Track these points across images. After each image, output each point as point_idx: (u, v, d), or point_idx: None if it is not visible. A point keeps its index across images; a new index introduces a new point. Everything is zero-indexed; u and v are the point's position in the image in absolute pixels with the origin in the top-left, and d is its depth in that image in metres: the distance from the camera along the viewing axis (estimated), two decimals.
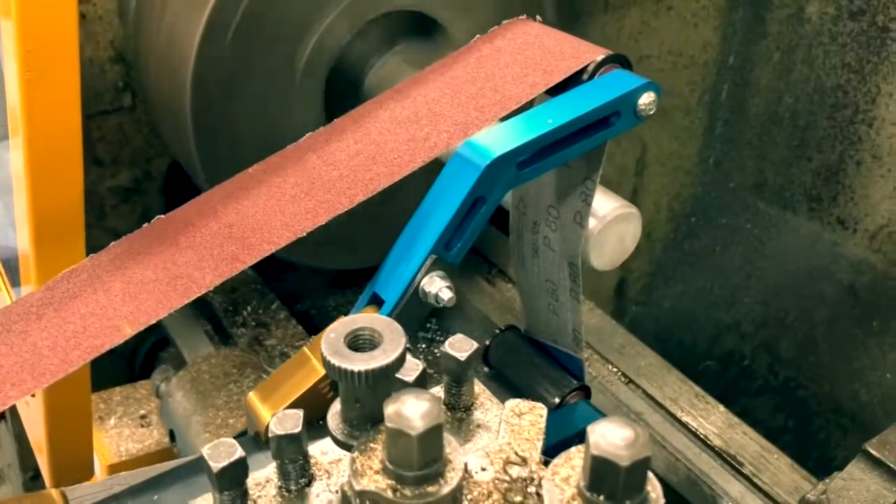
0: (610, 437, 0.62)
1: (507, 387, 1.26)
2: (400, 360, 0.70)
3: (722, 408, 1.47)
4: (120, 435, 1.55)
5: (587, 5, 1.87)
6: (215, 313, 1.63)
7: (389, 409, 0.64)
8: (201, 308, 1.64)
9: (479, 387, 0.80)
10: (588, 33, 1.90)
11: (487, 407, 0.79)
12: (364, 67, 1.50)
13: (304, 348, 1.01)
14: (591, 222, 1.13)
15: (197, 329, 1.60)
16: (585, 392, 1.26)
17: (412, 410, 0.64)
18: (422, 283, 1.00)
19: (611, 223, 1.14)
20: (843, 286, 1.81)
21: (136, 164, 1.78)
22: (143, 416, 1.59)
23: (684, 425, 1.43)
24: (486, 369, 1.32)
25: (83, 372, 1.28)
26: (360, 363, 0.69)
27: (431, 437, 0.64)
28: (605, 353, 1.55)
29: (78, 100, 1.09)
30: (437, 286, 1.00)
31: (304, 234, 0.99)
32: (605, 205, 1.15)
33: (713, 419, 1.44)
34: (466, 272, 1.72)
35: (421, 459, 0.65)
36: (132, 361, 1.82)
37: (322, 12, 1.40)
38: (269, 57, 1.40)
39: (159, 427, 1.56)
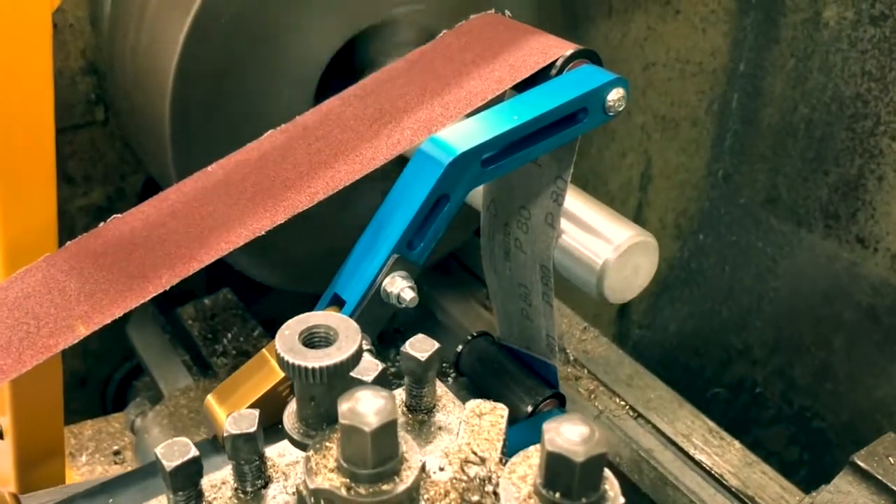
0: (565, 433, 0.65)
1: (478, 395, 1.23)
2: (355, 358, 0.73)
3: (738, 444, 1.44)
4: (92, 473, 1.52)
5: (590, 9, 1.87)
6: (193, 342, 1.61)
7: (343, 406, 0.67)
8: (179, 336, 1.63)
9: (441, 389, 0.83)
10: (591, 39, 1.89)
11: (450, 409, 0.81)
12: (356, 79, 1.48)
13: (264, 350, 1.03)
14: (605, 251, 1.13)
15: (174, 359, 1.58)
16: (559, 400, 1.28)
17: (367, 407, 0.67)
18: (383, 284, 1.03)
19: (626, 253, 1.13)
20: (862, 309, 1.80)
21: (109, 181, 1.76)
22: (116, 453, 1.56)
23: (698, 463, 1.41)
24: (458, 377, 1.34)
25: (56, 411, 1.26)
26: (315, 360, 0.72)
27: (386, 434, 0.67)
28: (611, 385, 1.52)
29: (51, 114, 1.08)
30: (399, 286, 1.02)
31: (263, 232, 1.02)
32: (619, 232, 1.14)
33: (729, 456, 1.41)
34: (461, 294, 1.70)
35: (375, 456, 0.67)
36: (104, 391, 1.80)
37: (312, 23, 1.40)
38: (253, 68, 1.39)
39: (134, 465, 1.52)
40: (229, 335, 1.60)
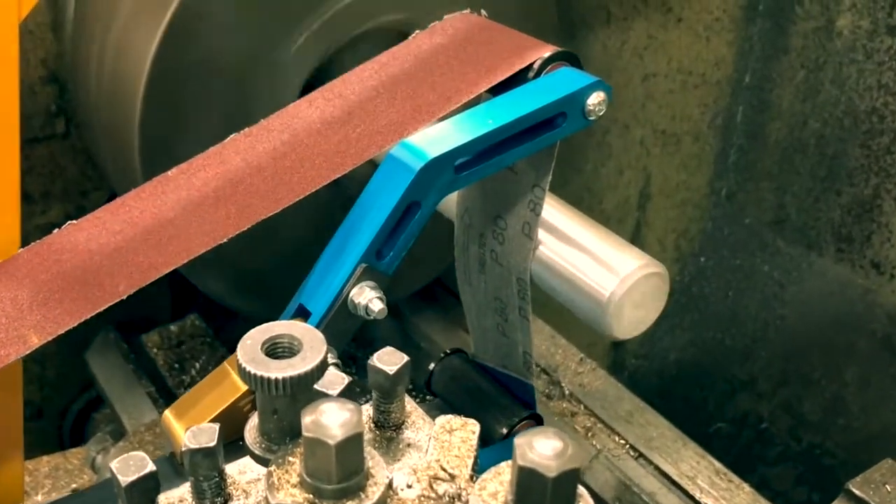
0: (538, 447, 0.66)
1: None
2: (320, 369, 0.75)
3: (747, 487, 1.43)
4: None
5: (587, 17, 1.87)
6: (159, 371, 1.59)
7: (307, 419, 0.68)
8: (143, 365, 1.60)
9: (410, 404, 0.84)
10: (588, 48, 1.89)
11: (419, 426, 0.83)
12: None
13: (225, 363, 1.05)
14: (611, 284, 1.12)
15: (138, 390, 1.55)
16: (536, 421, 1.27)
17: (331, 419, 0.68)
18: (351, 294, 1.04)
19: (635, 285, 1.12)
20: (877, 339, 1.78)
21: (69, 198, 1.73)
22: (75, 492, 1.51)
23: None
24: (430, 397, 1.34)
25: (15, 451, 1.22)
26: (278, 371, 0.73)
27: (351, 448, 0.69)
28: (610, 422, 1.51)
29: (16, 128, 1.10)
30: (367, 297, 1.04)
31: (225, 240, 1.03)
32: (626, 262, 1.13)
33: (738, 500, 1.40)
34: (446, 321, 1.68)
35: (340, 471, 0.69)
36: (61, 424, 1.79)
37: (293, 31, 1.39)
38: (231, 78, 1.38)
39: None
40: (197, 365, 1.59)
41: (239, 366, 0.74)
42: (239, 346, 0.75)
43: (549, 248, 1.17)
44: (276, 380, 0.73)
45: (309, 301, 1.06)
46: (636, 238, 2.07)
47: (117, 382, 1.58)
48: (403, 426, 0.83)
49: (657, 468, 1.44)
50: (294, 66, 1.40)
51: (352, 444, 0.69)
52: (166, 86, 1.35)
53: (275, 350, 0.76)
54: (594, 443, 1.48)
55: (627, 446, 1.48)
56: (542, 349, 1.61)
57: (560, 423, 1.47)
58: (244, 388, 0.99)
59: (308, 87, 1.42)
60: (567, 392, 1.55)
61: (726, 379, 2.04)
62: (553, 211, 1.19)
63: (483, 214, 1.20)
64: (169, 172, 1.10)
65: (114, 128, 1.44)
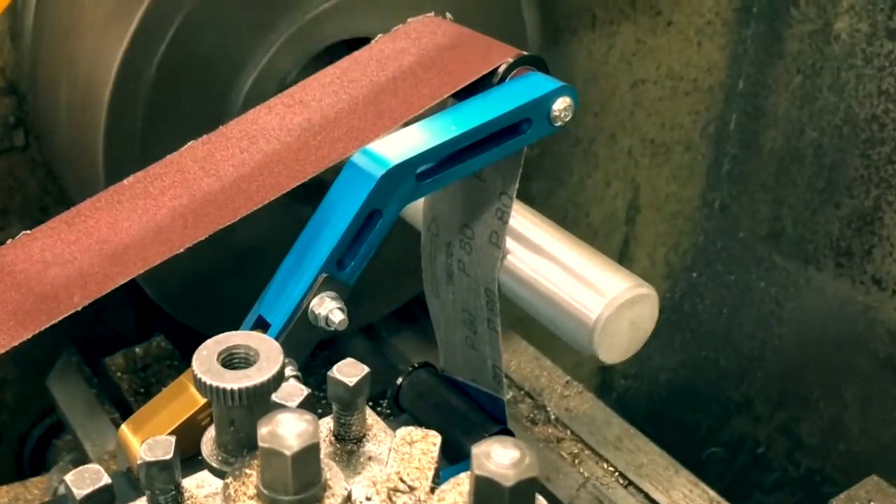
0: (495, 457, 0.68)
1: None
2: (276, 379, 0.76)
3: None
4: None
5: (570, 21, 1.87)
6: (123, 397, 1.56)
7: (263, 429, 0.69)
8: (106, 390, 1.57)
9: (372, 417, 0.86)
10: (572, 53, 1.88)
11: (381, 439, 0.84)
12: None
13: (182, 376, 1.06)
14: (598, 306, 1.11)
15: (101, 417, 1.52)
16: (509, 434, 1.26)
17: (287, 430, 0.69)
18: (311, 305, 1.05)
19: (622, 307, 1.11)
20: (878, 358, 1.79)
21: (28, 213, 1.71)
22: None
23: None
24: (396, 413, 1.35)
25: None
26: (234, 381, 0.74)
27: (307, 458, 0.70)
28: (598, 448, 1.48)
29: None
30: (328, 307, 1.04)
31: (182, 249, 1.03)
32: (614, 284, 1.13)
33: None
34: (426, 343, 1.66)
35: (296, 482, 0.70)
36: (20, 451, 1.76)
37: (261, 46, 1.39)
38: (199, 93, 1.38)
39: None
40: (163, 389, 1.56)
41: (195, 377, 0.75)
42: (195, 356, 0.77)
43: (531, 267, 1.17)
44: (232, 390, 0.74)
45: (268, 312, 1.07)
46: (624, 253, 2.07)
47: (79, 408, 1.55)
48: (364, 439, 0.84)
49: (647, 497, 1.42)
50: (267, 75, 1.40)
51: (308, 454, 0.70)
52: (133, 95, 1.35)
53: (231, 361, 0.77)
54: (581, 470, 1.45)
55: (616, 474, 1.46)
56: (525, 371, 1.59)
57: (545, 450, 1.45)
58: (202, 401, 1.01)
59: None
60: (553, 417, 1.52)
61: (720, 401, 2.05)
62: (535, 228, 1.20)
63: (450, 223, 1.21)
64: (125, 181, 1.11)
65: (78, 140, 1.43)
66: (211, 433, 0.80)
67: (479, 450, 0.68)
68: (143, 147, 1.35)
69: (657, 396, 2.15)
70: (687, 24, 1.88)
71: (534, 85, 1.12)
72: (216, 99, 1.39)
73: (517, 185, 1.13)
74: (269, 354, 0.77)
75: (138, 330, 1.68)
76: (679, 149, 1.98)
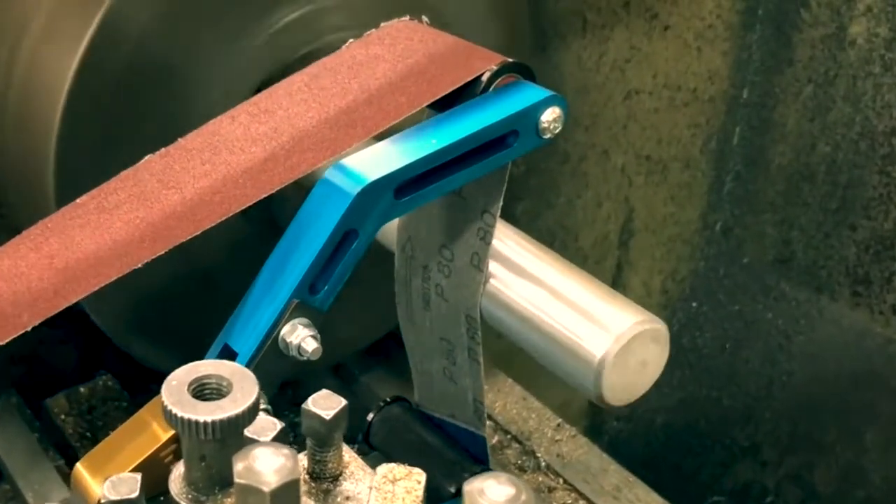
0: (489, 493, 0.71)
1: None
2: (252, 411, 0.78)
3: None
4: None
5: (559, 25, 1.88)
6: (68, 442, 1.56)
7: (239, 465, 0.72)
8: (49, 434, 1.58)
9: (349, 454, 0.88)
10: (561, 61, 1.90)
11: (358, 477, 0.86)
12: None
13: (143, 410, 1.09)
14: (605, 342, 1.10)
15: (44, 464, 1.52)
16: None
17: (265, 465, 0.72)
18: (282, 333, 1.06)
19: (630, 344, 1.11)
20: None
21: None
22: None
23: None
24: (368, 451, 1.35)
25: None
26: (207, 413, 0.76)
27: (286, 495, 0.71)
28: (594, 498, 1.49)
29: None
30: (300, 335, 1.06)
31: (140, 265, 1.05)
32: (620, 319, 1.12)
33: None
34: (402, 382, 1.66)
35: None
36: None
37: (229, 55, 1.41)
38: (161, 106, 1.39)
39: None
40: (111, 432, 1.56)
41: (164, 408, 0.77)
42: (164, 386, 0.78)
43: (524, 296, 1.18)
44: (205, 423, 0.76)
45: (236, 341, 1.08)
46: (617, 280, 2.09)
47: (20, 454, 1.54)
48: (341, 477, 0.86)
49: None
50: (235, 86, 1.41)
51: (288, 491, 0.72)
52: (89, 108, 1.36)
53: (202, 391, 0.79)
54: None
55: None
56: (512, 413, 1.60)
57: (535, 500, 1.46)
58: (165, 437, 1.04)
59: None
60: (543, 463, 1.53)
61: (724, 445, 2.05)
62: (527, 253, 1.20)
63: (427, 244, 1.22)
64: (78, 200, 1.13)
65: (23, 154, 1.44)
66: (179, 470, 0.82)
67: (471, 487, 0.71)
68: (99, 166, 1.36)
69: (653, 440, 2.16)
70: (686, 29, 1.89)
71: (520, 94, 1.13)
72: (180, 112, 1.40)
73: (501, 203, 1.15)
74: (242, 385, 0.79)
75: (81, 368, 1.68)
76: (677, 166, 2.00)
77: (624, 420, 2.18)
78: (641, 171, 2.00)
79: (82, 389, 1.63)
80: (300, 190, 1.15)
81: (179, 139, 1.18)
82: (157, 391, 1.58)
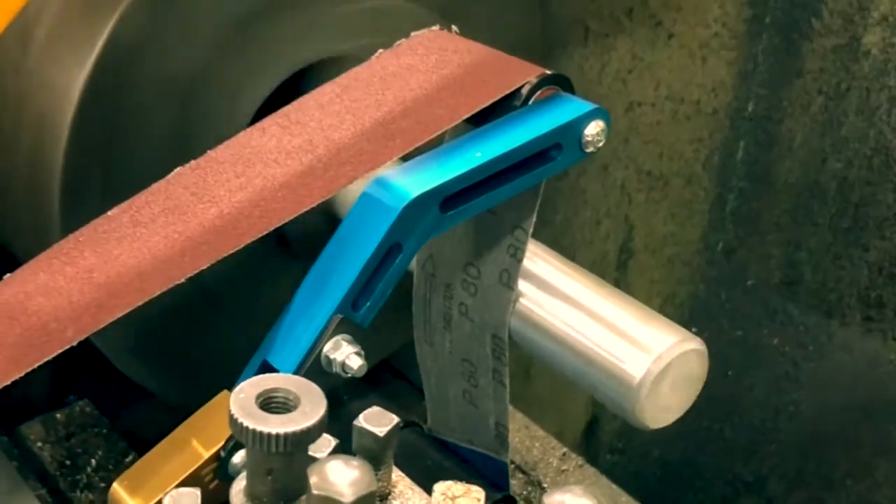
0: None
1: None
2: (322, 424, 0.83)
3: None
4: None
5: (561, 34, 1.91)
6: (48, 471, 1.59)
7: (314, 477, 0.78)
8: (28, 464, 1.60)
9: (397, 473, 0.93)
10: (562, 71, 1.86)
11: (408, 496, 0.91)
12: None
13: (180, 428, 1.12)
14: (645, 363, 1.15)
15: (25, 495, 1.52)
16: (511, 502, 1.34)
17: (339, 477, 0.78)
18: (325, 349, 1.10)
19: (671, 365, 1.16)
20: None
21: None
22: None
23: None
24: None
25: None
26: (278, 425, 0.81)
27: None
28: None
29: None
30: (345, 352, 1.10)
31: (184, 279, 1.08)
32: (660, 338, 1.16)
33: None
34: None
35: None
36: None
37: (226, 69, 1.45)
38: (158, 118, 1.43)
39: None
40: (93, 461, 1.60)
41: (233, 421, 0.81)
42: (232, 399, 0.82)
43: (562, 319, 1.20)
44: (277, 435, 0.80)
45: (276, 358, 1.11)
46: None
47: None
48: (391, 496, 0.91)
49: None
50: (239, 100, 1.46)
51: (365, 502, 0.78)
52: (99, 120, 1.39)
53: (269, 404, 0.83)
54: None
55: None
56: (515, 442, 1.62)
57: None
58: (207, 454, 1.06)
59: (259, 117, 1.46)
60: None
61: (726, 480, 2.06)
62: (562, 274, 1.23)
63: (451, 261, 1.25)
64: (109, 213, 1.16)
65: (24, 171, 1.47)
66: (240, 485, 0.86)
67: (551, 499, 0.78)
68: (106, 186, 1.40)
69: (650, 474, 2.16)
70: (690, 37, 1.91)
71: (563, 107, 1.19)
72: (185, 128, 1.44)
73: (534, 219, 1.19)
74: (310, 398, 0.83)
75: (52, 393, 1.69)
76: (678, 182, 2.01)
77: (617, 453, 2.19)
78: (642, 187, 2.02)
79: (59, 415, 1.65)
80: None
81: (209, 151, 1.20)
82: (139, 415, 1.62)
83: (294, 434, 0.80)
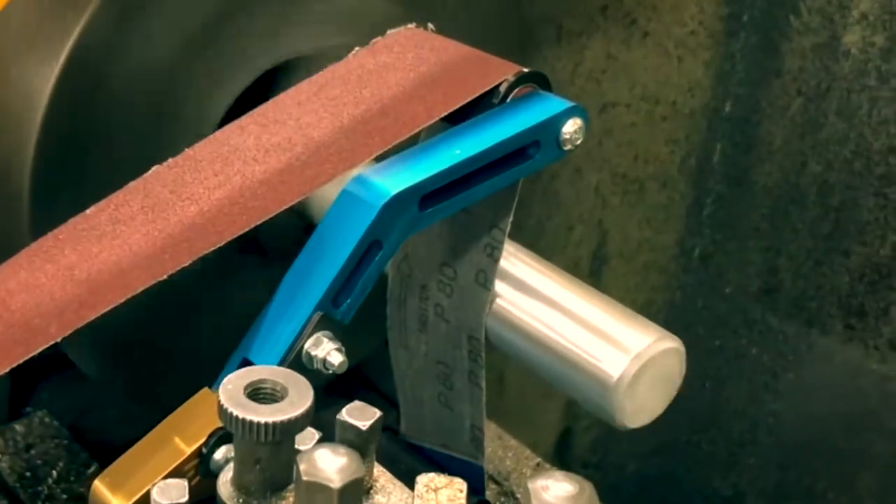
0: (553, 490, 0.81)
1: None
2: (309, 414, 0.88)
3: None
4: None
5: (533, 32, 1.90)
6: (7, 483, 1.61)
7: (303, 464, 0.82)
8: None
9: (378, 468, 0.97)
10: None
11: (389, 490, 0.96)
12: None
13: (160, 427, 1.13)
14: (622, 362, 1.19)
15: None
16: None
17: (328, 464, 0.82)
18: (306, 346, 1.14)
19: (650, 363, 1.20)
20: None
21: None
22: None
23: None
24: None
25: None
26: (267, 415, 0.85)
27: (352, 492, 0.82)
28: None
29: None
30: (326, 349, 1.13)
31: (166, 276, 1.11)
32: (637, 337, 1.21)
33: None
34: None
35: None
36: None
37: (201, 65, 1.48)
38: (135, 122, 1.47)
39: None
40: (55, 473, 1.62)
41: (223, 411, 0.86)
42: (221, 390, 0.88)
43: (539, 319, 1.24)
44: (266, 424, 0.85)
45: (256, 355, 1.14)
46: None
47: None
48: (372, 490, 0.95)
49: None
50: (209, 99, 1.50)
51: (353, 488, 0.82)
52: (70, 120, 1.41)
53: (257, 395, 0.88)
54: None
55: None
56: (488, 452, 1.59)
57: None
58: (189, 450, 1.09)
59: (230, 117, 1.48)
60: None
61: (704, 495, 2.08)
62: (539, 274, 1.27)
63: (427, 262, 1.29)
64: (87, 212, 1.19)
65: None
66: (227, 475, 0.91)
67: (534, 483, 0.82)
68: (76, 189, 1.41)
69: (625, 490, 2.18)
70: (666, 36, 1.94)
71: (541, 105, 1.22)
72: (155, 131, 1.47)
73: (511, 218, 1.22)
74: (297, 389, 0.89)
75: (11, 404, 1.73)
76: (654, 186, 2.03)
77: (592, 468, 2.19)
78: (617, 191, 2.04)
79: (18, 427, 1.66)
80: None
81: (187, 149, 1.24)
82: (95, 423, 1.62)
83: (282, 423, 0.85)
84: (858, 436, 1.89)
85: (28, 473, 1.63)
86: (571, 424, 2.22)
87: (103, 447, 1.67)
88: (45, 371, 1.70)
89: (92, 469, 1.63)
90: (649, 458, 2.17)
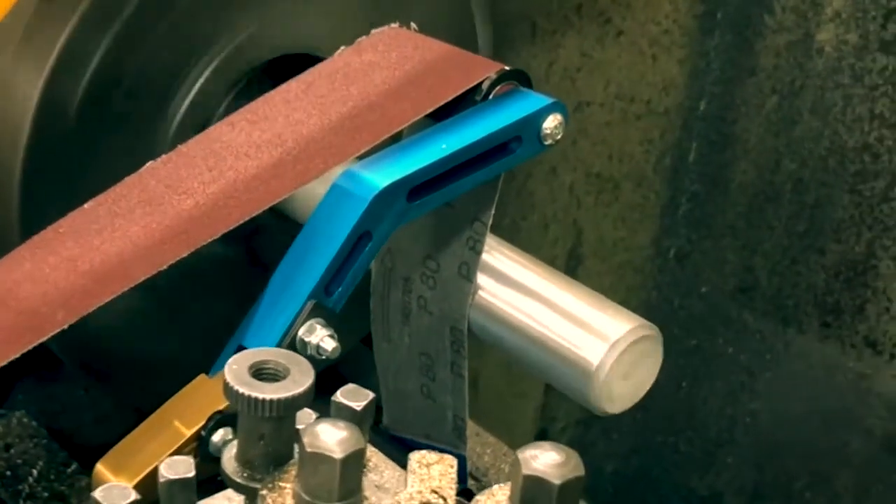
0: (541, 458, 0.87)
1: None
2: (310, 392, 0.93)
3: None
4: None
5: (507, 31, 1.94)
6: None
7: (306, 438, 0.87)
8: None
9: (370, 448, 1.00)
10: None
11: (381, 468, 1.00)
12: None
13: (160, 411, 1.20)
14: (601, 349, 1.25)
15: None
16: (467, 497, 1.37)
17: (330, 437, 0.87)
18: (299, 333, 1.20)
19: (629, 350, 1.27)
20: (875, 438, 1.88)
21: None
22: None
23: None
24: None
25: None
26: (271, 392, 0.91)
27: (353, 463, 0.88)
28: None
29: None
30: (319, 335, 1.20)
31: (165, 266, 1.17)
32: (616, 325, 1.27)
33: None
34: None
35: (342, 487, 0.88)
36: None
37: (191, 68, 1.53)
38: (126, 127, 1.51)
39: None
40: (35, 471, 1.66)
41: (228, 388, 0.92)
42: (226, 370, 0.93)
43: (520, 309, 1.30)
44: (270, 401, 0.91)
45: (252, 342, 1.21)
46: None
47: None
48: (365, 469, 0.98)
49: None
50: (200, 99, 1.54)
51: (355, 459, 0.88)
52: (55, 130, 1.45)
53: (261, 375, 0.93)
54: None
55: None
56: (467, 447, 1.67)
57: None
58: (189, 433, 1.16)
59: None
60: None
61: (681, 495, 2.11)
62: (520, 266, 1.33)
63: (410, 255, 1.34)
64: (85, 206, 1.25)
65: None
66: (231, 452, 0.97)
67: (523, 452, 0.88)
68: (68, 187, 1.44)
69: (602, 490, 2.21)
70: (640, 34, 1.98)
71: (522, 102, 1.29)
72: (146, 130, 1.52)
73: (493, 211, 1.29)
74: (299, 368, 0.94)
75: None
76: (628, 185, 2.07)
77: None
78: (591, 190, 2.08)
79: None
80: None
81: (179, 146, 1.30)
82: (72, 421, 1.66)
83: (285, 399, 0.91)
84: (835, 434, 1.93)
85: (8, 472, 1.67)
86: (547, 426, 2.25)
87: (79, 448, 1.73)
88: (21, 372, 1.74)
89: (72, 468, 1.68)
90: (626, 459, 2.20)
